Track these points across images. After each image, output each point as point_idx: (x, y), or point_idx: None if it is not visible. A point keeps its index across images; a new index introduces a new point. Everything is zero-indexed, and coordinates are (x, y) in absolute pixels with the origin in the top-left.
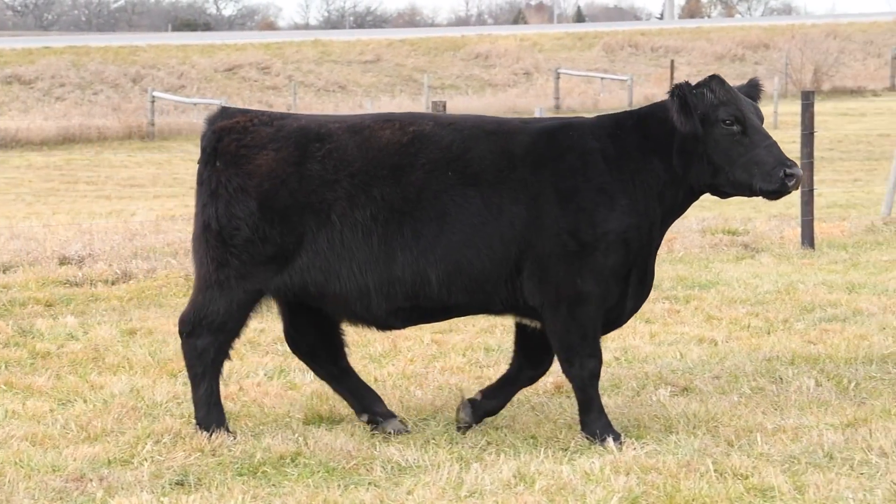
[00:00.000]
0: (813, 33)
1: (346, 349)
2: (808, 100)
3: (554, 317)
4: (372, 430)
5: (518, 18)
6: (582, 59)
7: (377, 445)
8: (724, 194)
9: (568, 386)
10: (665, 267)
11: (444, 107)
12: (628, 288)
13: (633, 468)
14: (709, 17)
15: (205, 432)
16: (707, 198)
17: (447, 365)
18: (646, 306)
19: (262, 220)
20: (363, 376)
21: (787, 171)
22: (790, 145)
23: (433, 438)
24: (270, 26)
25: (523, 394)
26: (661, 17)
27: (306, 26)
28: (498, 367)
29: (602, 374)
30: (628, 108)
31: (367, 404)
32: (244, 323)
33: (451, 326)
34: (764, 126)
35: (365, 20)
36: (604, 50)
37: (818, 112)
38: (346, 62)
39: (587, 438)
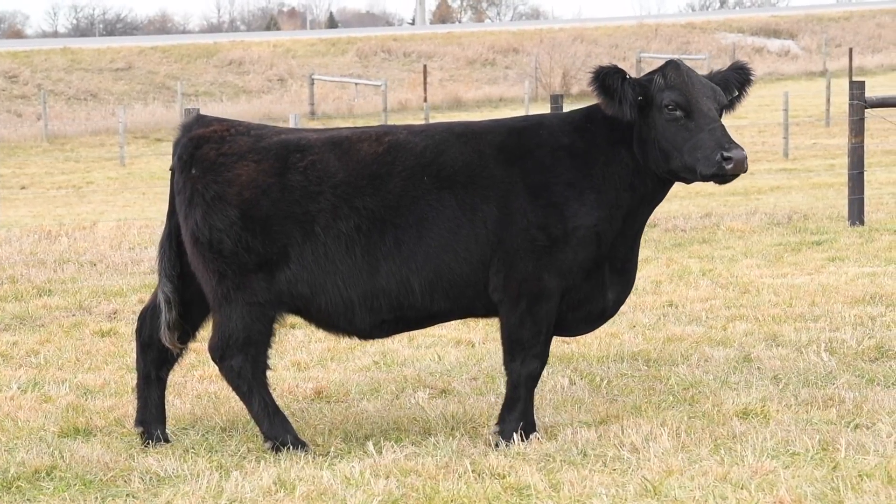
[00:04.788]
0: (561, 37)
1: (177, 364)
2: (556, 103)
3: (512, 311)
4: (143, 444)
5: (271, 25)
6: (336, 65)
7: (135, 456)
8: (686, 181)
9: (328, 391)
10: None
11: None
12: (603, 281)
13: (393, 471)
14: (459, 22)
15: (273, 442)
16: None
17: (206, 374)
18: None
19: (243, 229)
20: (123, 386)
21: (724, 153)
22: None
23: (192, 448)
24: (18, 34)
25: (282, 400)
26: (413, 23)
27: (55, 34)
28: None
29: (361, 378)
30: (384, 113)
31: (150, 420)
32: (268, 331)
33: (208, 335)
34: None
35: (115, 27)
36: (357, 55)
37: None
38: (97, 70)
39: (498, 434)
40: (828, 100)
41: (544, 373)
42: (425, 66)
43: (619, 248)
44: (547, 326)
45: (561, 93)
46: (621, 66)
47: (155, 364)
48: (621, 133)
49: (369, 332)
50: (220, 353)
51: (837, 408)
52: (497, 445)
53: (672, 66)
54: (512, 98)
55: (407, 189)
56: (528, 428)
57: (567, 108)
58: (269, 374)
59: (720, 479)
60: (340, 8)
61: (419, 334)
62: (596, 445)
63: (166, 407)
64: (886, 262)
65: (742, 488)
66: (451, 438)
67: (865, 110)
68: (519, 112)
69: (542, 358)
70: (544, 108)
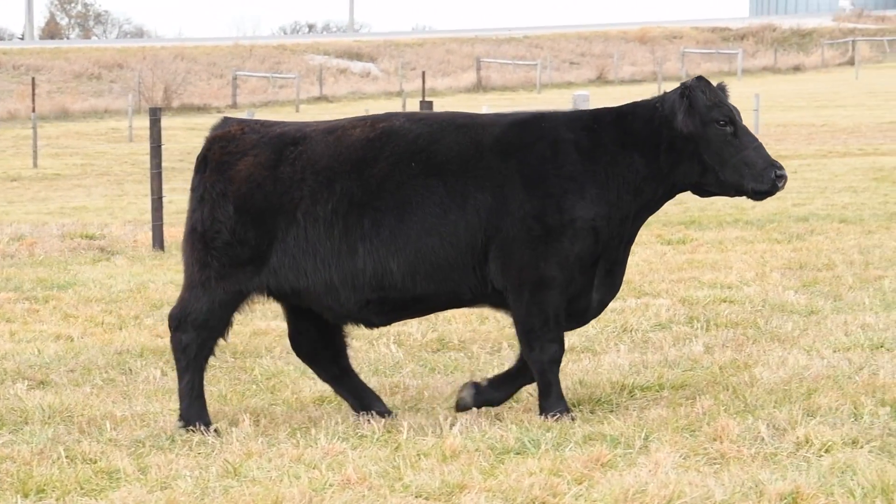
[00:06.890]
0: (163, 55)
1: (348, 350)
2: (155, 115)
3: (517, 301)
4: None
5: None
6: None
7: None
8: (706, 193)
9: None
10: (26, 270)
11: None
12: (594, 278)
13: None
14: (68, 38)
15: (186, 423)
16: None
17: None
18: (7, 306)
19: (238, 223)
20: None
21: (778, 172)
22: (142, 157)
23: None
24: None
25: None
26: (23, 38)
27: None
28: None
29: None
30: None
31: (368, 403)
32: (227, 321)
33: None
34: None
35: None
36: None
37: (169, 127)
38: None
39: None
40: None
41: (138, 364)
42: (33, 79)
43: (613, 249)
44: (554, 314)
45: (162, 106)
46: (219, 82)
47: (330, 363)
48: (635, 139)
49: (358, 312)
50: (176, 322)
51: (402, 394)
52: (549, 427)
53: (705, 82)
54: (117, 110)
55: (391, 174)
56: (563, 408)
57: (167, 120)
58: None
59: (295, 460)
60: None
61: (20, 329)
62: (182, 432)
63: None
64: None
65: (314, 468)
66: (46, 427)
67: None
68: (122, 123)
69: (559, 342)
70: (146, 120)
